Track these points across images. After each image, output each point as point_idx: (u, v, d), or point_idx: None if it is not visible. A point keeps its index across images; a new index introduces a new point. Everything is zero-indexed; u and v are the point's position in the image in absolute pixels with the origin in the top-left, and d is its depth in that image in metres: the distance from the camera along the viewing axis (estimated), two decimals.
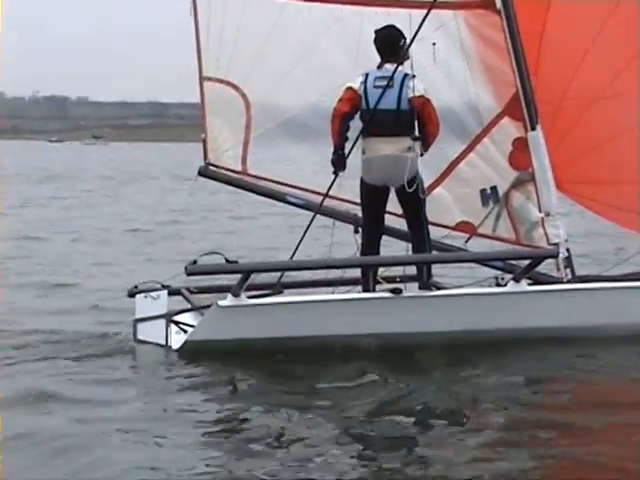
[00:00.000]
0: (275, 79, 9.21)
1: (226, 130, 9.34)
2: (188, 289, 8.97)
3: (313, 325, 7.88)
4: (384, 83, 8.32)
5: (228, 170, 9.34)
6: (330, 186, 8.59)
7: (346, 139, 8.46)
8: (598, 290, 8.49)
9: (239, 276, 7.88)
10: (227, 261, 7.95)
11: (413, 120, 8.36)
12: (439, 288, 8.68)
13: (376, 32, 8.57)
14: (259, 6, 9.23)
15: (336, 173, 8.49)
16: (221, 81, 9.28)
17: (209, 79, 9.29)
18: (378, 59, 8.70)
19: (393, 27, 8.58)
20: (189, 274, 7.89)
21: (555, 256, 8.45)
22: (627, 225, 9.49)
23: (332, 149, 8.50)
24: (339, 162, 8.45)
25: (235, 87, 9.30)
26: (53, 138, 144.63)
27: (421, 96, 8.34)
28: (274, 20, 9.21)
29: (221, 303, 7.90)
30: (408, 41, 8.47)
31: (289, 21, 9.20)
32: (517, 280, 8.23)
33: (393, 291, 8.11)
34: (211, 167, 9.34)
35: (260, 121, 9.30)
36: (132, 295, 8.74)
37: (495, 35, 9.02)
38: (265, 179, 9.30)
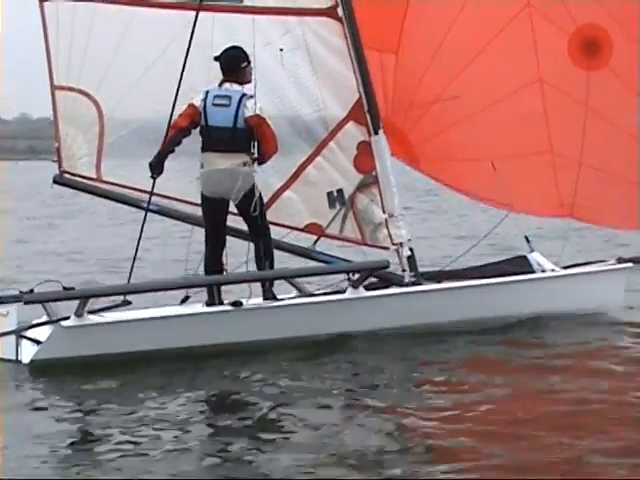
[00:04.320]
0: (127, 86, 9.19)
1: (80, 138, 9.32)
2: None
3: (156, 340, 8.01)
4: (222, 102, 8.49)
5: (83, 177, 9.35)
6: (152, 187, 8.63)
7: (173, 151, 8.60)
8: (424, 292, 8.82)
9: None
10: (64, 288, 8.03)
11: (249, 138, 8.48)
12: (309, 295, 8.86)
13: (223, 51, 8.67)
14: (108, 14, 9.20)
15: (153, 177, 8.58)
16: (72, 89, 9.24)
17: (61, 88, 9.25)
18: None
19: (239, 48, 8.70)
20: (26, 303, 7.97)
21: (386, 267, 8.68)
22: (478, 197, 9.76)
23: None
24: (156, 166, 8.56)
25: (87, 95, 9.27)
26: None
27: (257, 115, 8.47)
28: (124, 27, 9.18)
29: (64, 324, 7.97)
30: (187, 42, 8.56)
31: (138, 28, 9.18)
32: (355, 287, 8.51)
33: (233, 304, 8.32)
34: (66, 175, 9.37)
35: (113, 128, 9.30)
36: None
37: (338, 42, 9.17)
38: (119, 185, 9.32)
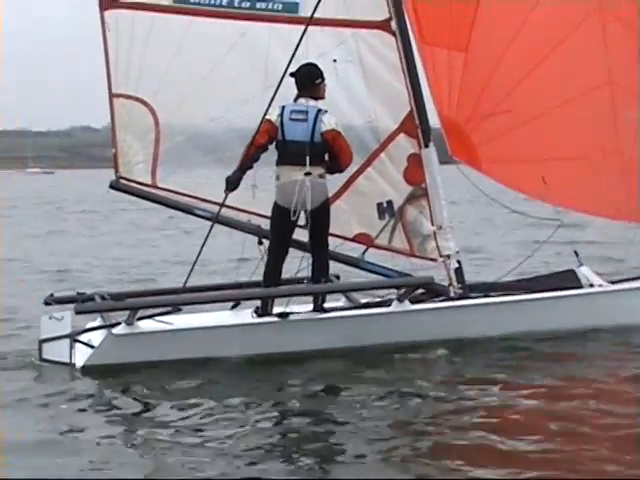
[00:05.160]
0: (183, 94, 9.32)
1: (136, 144, 9.46)
2: (102, 296, 9.21)
3: (205, 348, 8.23)
4: (299, 117, 8.70)
5: (138, 183, 9.53)
6: (224, 200, 8.79)
7: (251, 167, 8.79)
8: (465, 307, 8.89)
9: None
10: (114, 298, 8.27)
11: (324, 152, 8.72)
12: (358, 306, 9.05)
13: (298, 68, 8.82)
14: (166, 23, 9.32)
15: (226, 192, 8.76)
16: (130, 97, 9.39)
17: (119, 95, 9.40)
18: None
19: (314, 65, 8.87)
20: (77, 313, 8.23)
21: (430, 283, 8.80)
22: (543, 198, 9.60)
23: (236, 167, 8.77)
24: (233, 182, 8.76)
25: (144, 102, 9.41)
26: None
27: (332, 130, 8.69)
28: (181, 36, 9.31)
29: (115, 331, 8.22)
30: (287, 60, 8.70)
31: (195, 38, 9.31)
32: (400, 301, 8.64)
33: (280, 315, 8.48)
34: (122, 180, 9.55)
35: (169, 135, 9.43)
36: (48, 303, 9.07)
37: (391, 55, 9.26)
38: (174, 192, 9.45)
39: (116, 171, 9.50)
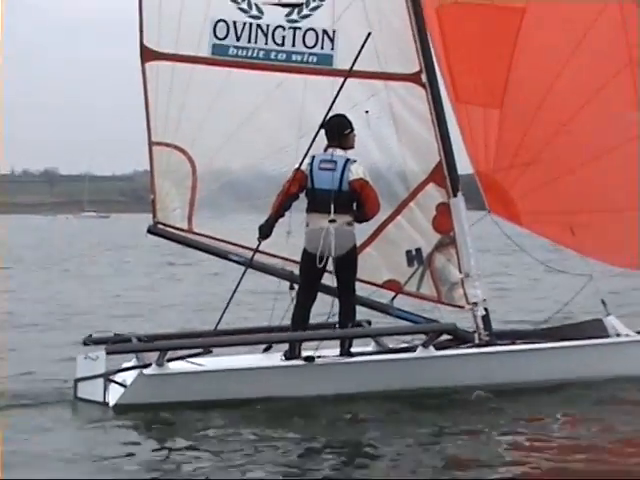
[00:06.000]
0: (219, 143, 9.59)
1: (173, 191, 9.70)
2: (138, 338, 9.46)
3: (233, 390, 8.40)
4: (328, 166, 8.94)
5: (175, 228, 9.79)
6: (257, 247, 9.07)
7: (283, 215, 9.03)
8: (487, 354, 8.96)
9: None
10: (142, 340, 8.53)
11: (352, 200, 8.92)
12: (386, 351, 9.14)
13: (328, 119, 9.08)
14: (204, 74, 9.58)
15: (259, 239, 9.03)
16: (168, 145, 9.66)
17: (158, 143, 9.67)
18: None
19: (343, 117, 9.11)
20: (108, 353, 8.50)
21: (453, 330, 8.94)
22: (585, 253, 9.66)
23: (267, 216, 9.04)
24: (266, 230, 9.02)
25: (182, 150, 9.66)
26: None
27: (360, 179, 8.90)
28: (218, 87, 9.58)
29: (145, 372, 8.42)
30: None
31: (232, 88, 9.58)
32: (425, 346, 8.77)
33: (306, 359, 8.63)
34: (159, 225, 9.81)
35: (205, 182, 9.68)
36: (86, 344, 9.34)
37: (421, 106, 9.46)
38: (209, 237, 9.70)
39: (154, 216, 9.73)
